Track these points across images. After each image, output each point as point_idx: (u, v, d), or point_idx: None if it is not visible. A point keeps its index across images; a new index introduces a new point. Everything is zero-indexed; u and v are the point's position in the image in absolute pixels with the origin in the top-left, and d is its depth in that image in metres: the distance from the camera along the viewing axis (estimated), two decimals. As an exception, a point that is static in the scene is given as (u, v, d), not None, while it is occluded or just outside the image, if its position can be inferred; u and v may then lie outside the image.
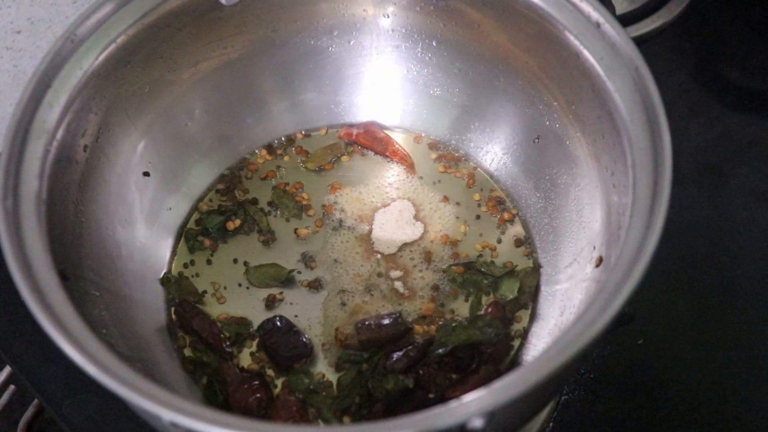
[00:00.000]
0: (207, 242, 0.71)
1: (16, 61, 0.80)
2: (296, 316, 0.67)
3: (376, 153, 0.76)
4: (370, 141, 0.76)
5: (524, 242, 0.71)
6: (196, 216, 0.72)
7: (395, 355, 0.64)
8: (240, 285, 0.69)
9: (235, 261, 0.71)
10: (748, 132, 0.84)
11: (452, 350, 0.64)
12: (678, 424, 0.67)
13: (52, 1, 0.79)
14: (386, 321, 0.65)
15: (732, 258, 0.75)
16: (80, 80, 0.59)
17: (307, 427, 0.61)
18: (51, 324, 0.46)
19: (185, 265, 0.70)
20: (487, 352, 0.64)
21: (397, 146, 0.75)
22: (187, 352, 0.65)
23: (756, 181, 0.80)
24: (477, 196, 0.73)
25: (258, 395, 0.61)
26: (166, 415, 0.42)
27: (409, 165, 0.75)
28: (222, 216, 0.72)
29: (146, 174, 0.69)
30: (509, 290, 0.68)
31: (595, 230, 0.63)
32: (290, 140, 0.77)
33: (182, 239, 0.71)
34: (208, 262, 0.70)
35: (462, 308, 0.68)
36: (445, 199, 0.74)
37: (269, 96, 0.75)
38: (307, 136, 0.77)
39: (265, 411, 0.61)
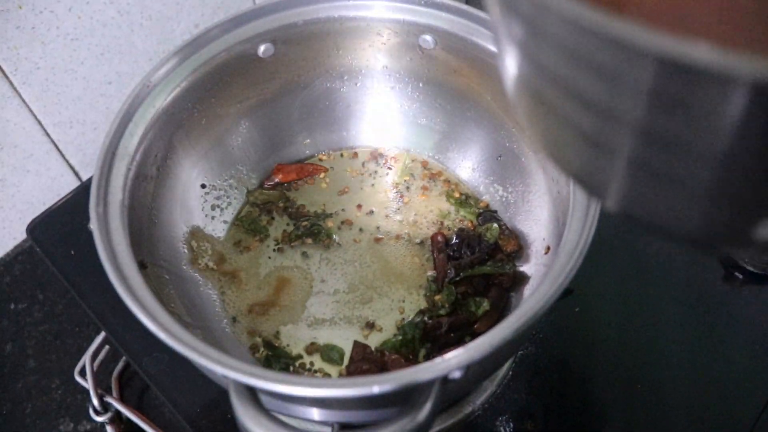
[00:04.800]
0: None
1: (108, 104, 0.80)
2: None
3: (301, 178, 0.74)
4: (293, 175, 0.74)
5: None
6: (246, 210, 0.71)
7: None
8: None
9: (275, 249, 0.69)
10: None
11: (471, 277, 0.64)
12: (606, 369, 0.66)
13: (134, 59, 0.80)
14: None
15: (643, 243, 0.74)
16: (153, 116, 0.58)
17: (308, 378, 0.59)
18: (132, 301, 0.45)
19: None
20: (496, 282, 0.64)
21: (308, 165, 0.75)
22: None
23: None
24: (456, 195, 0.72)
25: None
26: (219, 369, 0.41)
27: (324, 170, 0.74)
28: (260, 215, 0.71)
29: (203, 186, 0.68)
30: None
31: (544, 226, 0.62)
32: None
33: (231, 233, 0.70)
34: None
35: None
36: (426, 195, 0.72)
37: (295, 126, 0.74)
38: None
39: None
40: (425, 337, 0.61)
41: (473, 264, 0.65)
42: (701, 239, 0.23)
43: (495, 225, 0.67)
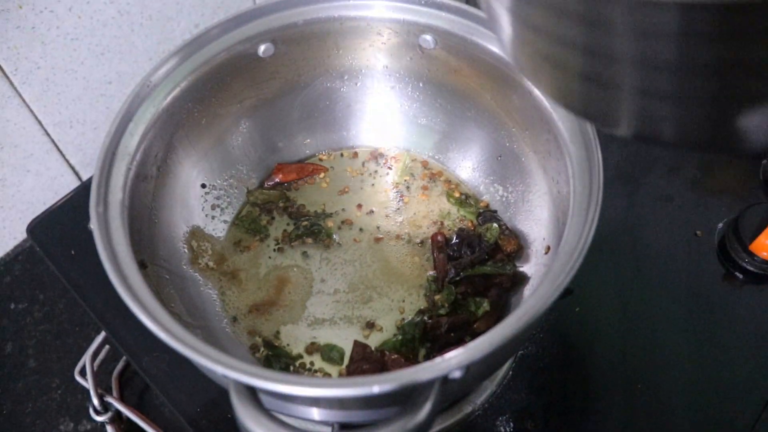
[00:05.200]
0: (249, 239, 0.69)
1: (108, 104, 0.80)
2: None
3: (301, 178, 0.74)
4: (294, 174, 0.73)
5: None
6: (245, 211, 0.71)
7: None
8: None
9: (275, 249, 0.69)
10: (653, 150, 0.83)
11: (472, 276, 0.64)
12: (606, 369, 0.66)
13: (134, 59, 0.79)
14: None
15: (643, 243, 0.75)
16: (153, 115, 0.58)
17: (309, 378, 0.59)
18: (132, 301, 0.45)
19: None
20: (496, 282, 0.64)
21: (308, 165, 0.75)
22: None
23: (659, 186, 0.79)
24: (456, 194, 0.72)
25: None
26: (219, 369, 0.41)
27: (324, 170, 0.74)
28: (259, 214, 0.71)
29: (203, 186, 0.68)
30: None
31: (544, 226, 0.62)
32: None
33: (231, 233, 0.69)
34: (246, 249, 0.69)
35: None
36: (426, 195, 0.72)
37: (295, 125, 0.74)
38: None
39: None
40: (425, 337, 0.61)
41: (473, 264, 0.65)
42: (699, 141, 0.28)
43: (495, 225, 0.67)
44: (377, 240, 0.69)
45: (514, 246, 0.65)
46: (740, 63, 0.23)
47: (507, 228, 0.67)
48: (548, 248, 0.59)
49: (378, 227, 0.70)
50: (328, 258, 0.68)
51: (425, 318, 0.62)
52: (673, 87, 0.25)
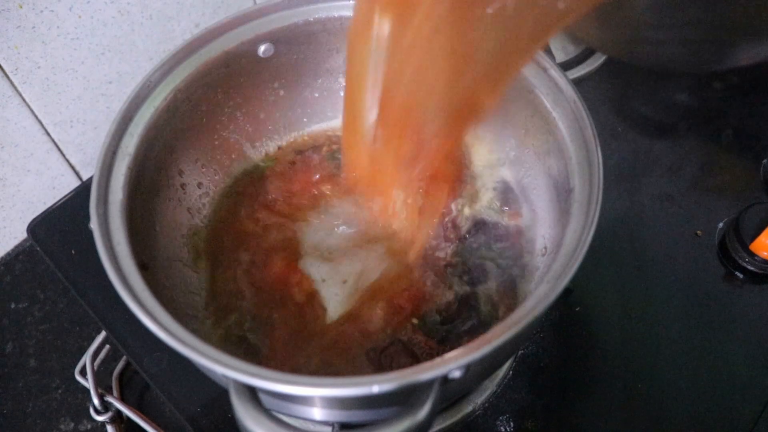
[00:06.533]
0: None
1: (108, 103, 0.80)
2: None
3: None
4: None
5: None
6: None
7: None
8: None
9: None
10: (653, 150, 0.83)
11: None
12: (606, 368, 0.66)
13: (134, 59, 0.79)
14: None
15: (643, 243, 0.75)
16: (153, 116, 0.57)
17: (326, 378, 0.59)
18: (132, 301, 0.45)
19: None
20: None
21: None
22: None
23: (659, 186, 0.79)
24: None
25: None
26: (219, 369, 0.41)
27: None
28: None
29: (203, 185, 0.68)
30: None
31: (544, 226, 0.61)
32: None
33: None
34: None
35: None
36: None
37: (295, 126, 0.73)
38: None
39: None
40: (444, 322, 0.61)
41: (481, 247, 0.64)
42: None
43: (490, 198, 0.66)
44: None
45: (517, 219, 0.64)
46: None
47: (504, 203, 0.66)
48: (547, 248, 0.59)
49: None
50: (336, 246, 0.68)
51: (442, 308, 0.61)
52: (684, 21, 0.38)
